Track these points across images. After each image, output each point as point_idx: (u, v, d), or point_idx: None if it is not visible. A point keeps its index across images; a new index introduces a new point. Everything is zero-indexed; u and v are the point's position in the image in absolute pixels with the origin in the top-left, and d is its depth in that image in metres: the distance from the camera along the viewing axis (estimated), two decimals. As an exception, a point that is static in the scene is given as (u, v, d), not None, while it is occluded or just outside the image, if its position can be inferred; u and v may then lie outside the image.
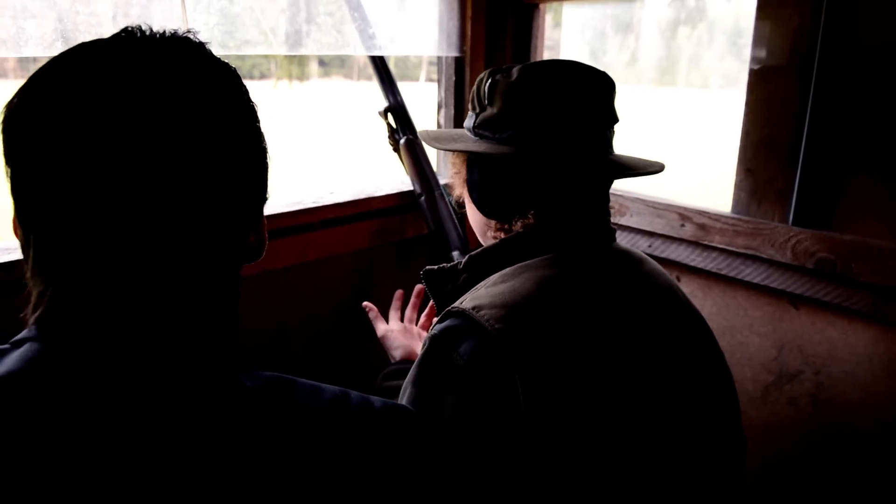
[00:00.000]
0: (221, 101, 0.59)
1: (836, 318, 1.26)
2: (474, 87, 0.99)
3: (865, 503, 1.27)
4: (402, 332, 1.31)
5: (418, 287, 1.37)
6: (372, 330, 1.34)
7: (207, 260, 0.59)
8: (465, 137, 0.99)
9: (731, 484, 0.94)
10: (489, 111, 0.94)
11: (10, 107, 0.55)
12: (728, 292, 1.41)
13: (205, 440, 0.54)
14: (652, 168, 0.95)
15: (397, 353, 1.26)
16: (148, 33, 0.58)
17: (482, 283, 0.90)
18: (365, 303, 1.34)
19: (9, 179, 0.56)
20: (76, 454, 0.51)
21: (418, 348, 1.24)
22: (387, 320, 1.35)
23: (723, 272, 1.38)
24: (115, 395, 0.54)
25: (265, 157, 0.65)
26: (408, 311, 1.38)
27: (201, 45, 0.60)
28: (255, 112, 0.63)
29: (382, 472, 0.59)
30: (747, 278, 1.35)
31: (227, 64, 0.61)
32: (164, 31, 0.59)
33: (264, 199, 0.66)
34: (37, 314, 0.57)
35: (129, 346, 0.56)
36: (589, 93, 0.92)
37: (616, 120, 0.96)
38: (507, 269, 0.90)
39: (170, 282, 0.57)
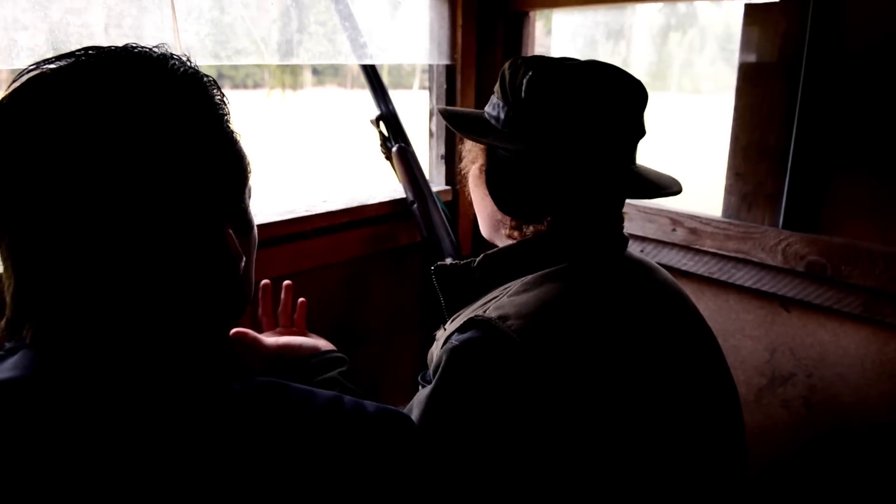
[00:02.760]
0: (176, 109, 0.61)
1: (827, 320, 1.27)
2: (507, 73, 0.94)
3: (859, 504, 1.28)
4: (290, 333, 1.19)
5: (286, 283, 1.21)
6: (363, 337, 1.33)
7: (184, 263, 0.60)
8: (490, 127, 0.95)
9: (733, 491, 0.94)
10: (525, 107, 0.90)
11: None
12: (720, 296, 1.42)
13: (194, 443, 0.54)
14: (673, 189, 0.94)
15: (305, 347, 1.13)
16: (112, 50, 0.60)
17: (504, 290, 0.89)
18: (235, 329, 1.11)
19: None
20: (71, 459, 0.51)
21: (318, 342, 1.16)
22: (256, 327, 1.19)
23: (714, 276, 1.39)
24: (108, 401, 0.54)
25: (230, 157, 0.66)
26: (280, 318, 1.21)
27: (161, 57, 0.62)
28: (216, 113, 0.64)
29: (375, 476, 0.59)
30: (739, 282, 1.35)
31: (191, 74, 0.63)
32: (126, 46, 0.61)
33: (235, 199, 0.67)
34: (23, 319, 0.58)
35: (119, 352, 0.57)
36: (628, 103, 0.90)
37: (644, 133, 0.94)
38: (529, 278, 0.89)
39: (153, 285, 0.58)
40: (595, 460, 0.79)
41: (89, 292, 0.57)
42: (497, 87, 0.96)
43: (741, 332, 1.40)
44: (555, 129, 0.89)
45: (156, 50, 0.62)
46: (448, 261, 1.39)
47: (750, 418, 1.40)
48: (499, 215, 0.96)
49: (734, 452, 0.95)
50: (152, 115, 0.58)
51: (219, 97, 0.65)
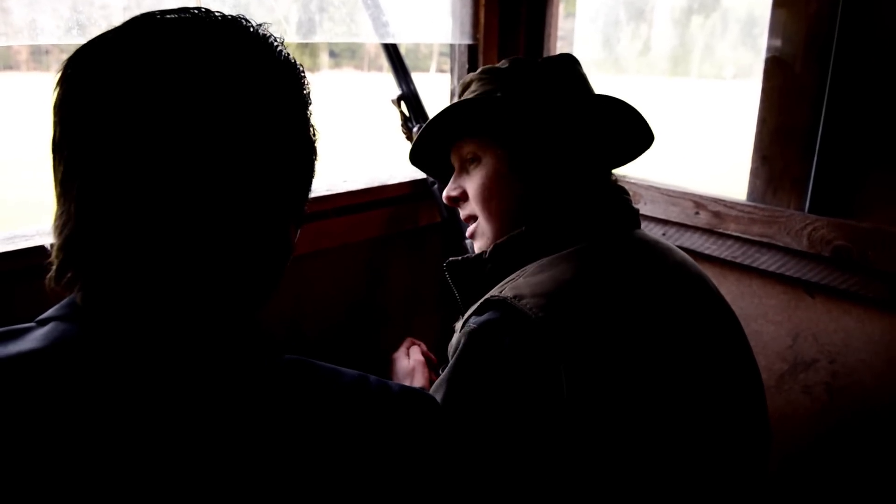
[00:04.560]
0: (273, 92, 0.60)
1: (852, 306, 1.26)
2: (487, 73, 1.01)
3: (881, 492, 1.27)
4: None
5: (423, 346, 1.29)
6: (383, 318, 1.33)
7: (245, 244, 0.60)
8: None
9: (755, 474, 0.94)
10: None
11: (71, 64, 0.56)
12: (743, 280, 1.40)
13: (226, 419, 0.54)
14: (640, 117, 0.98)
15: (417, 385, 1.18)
16: (215, 15, 0.60)
17: (519, 273, 0.89)
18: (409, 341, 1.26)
19: (58, 131, 0.56)
20: (92, 433, 0.51)
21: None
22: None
23: (738, 260, 1.38)
24: (136, 375, 0.54)
25: (311, 153, 0.66)
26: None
27: (261, 34, 0.61)
28: (306, 105, 0.64)
29: (399, 453, 0.59)
30: (762, 266, 1.34)
31: (287, 55, 0.63)
32: (231, 15, 0.60)
33: (305, 195, 0.67)
34: (73, 291, 0.58)
35: (155, 326, 0.57)
36: (571, 65, 1.00)
37: (588, 88, 1.00)
38: (545, 260, 0.90)
39: (208, 260, 0.58)
40: (616, 437, 0.79)
41: (144, 254, 0.56)
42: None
43: (764, 318, 1.39)
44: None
45: (261, 30, 0.62)
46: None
47: (771, 404, 1.38)
48: (535, 196, 0.96)
49: (757, 433, 0.95)
50: (252, 91, 0.58)
51: (307, 89, 0.65)
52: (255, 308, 0.66)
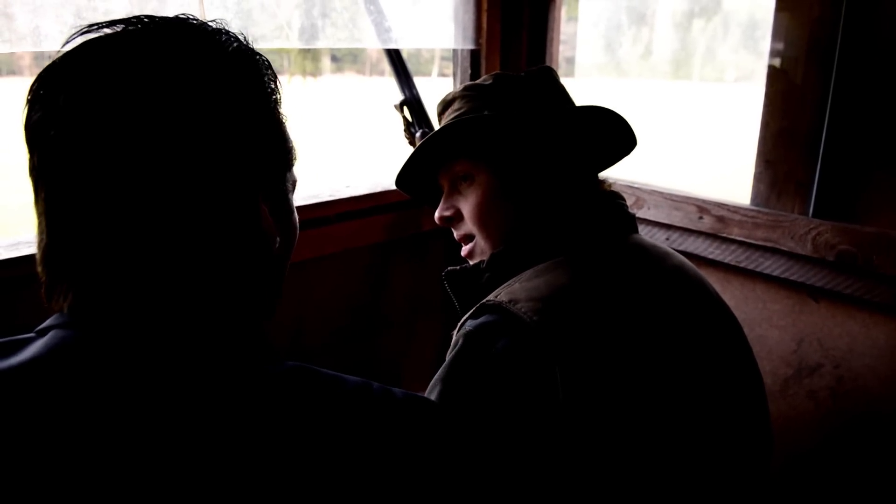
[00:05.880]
0: (219, 81, 0.61)
1: (856, 311, 1.25)
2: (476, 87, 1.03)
3: (885, 497, 1.26)
4: None
5: None
6: (386, 323, 1.33)
7: (217, 233, 0.60)
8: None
9: (756, 479, 0.94)
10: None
11: (37, 83, 0.59)
12: (747, 285, 1.40)
13: (228, 424, 0.54)
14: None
15: None
16: (167, 21, 0.61)
17: (515, 279, 0.90)
18: None
19: (29, 150, 0.58)
20: (90, 441, 0.51)
21: None
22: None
23: (742, 265, 1.37)
24: (135, 382, 0.54)
25: (280, 139, 0.66)
26: None
27: (214, 31, 0.63)
28: (266, 93, 0.65)
29: (403, 459, 0.59)
30: (766, 271, 1.34)
31: (243, 51, 0.64)
32: (178, 16, 0.62)
33: (277, 178, 0.67)
34: (65, 302, 0.58)
35: (151, 330, 0.57)
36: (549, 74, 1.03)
37: (562, 92, 1.02)
38: (541, 266, 0.90)
39: (187, 253, 0.58)
40: (613, 440, 0.79)
41: (121, 257, 0.57)
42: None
43: (768, 322, 1.38)
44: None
45: (210, 24, 0.63)
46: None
47: (775, 409, 1.38)
48: (530, 210, 0.97)
49: (758, 438, 0.95)
50: (195, 84, 0.59)
51: (270, 78, 0.66)
52: (258, 306, 0.67)
